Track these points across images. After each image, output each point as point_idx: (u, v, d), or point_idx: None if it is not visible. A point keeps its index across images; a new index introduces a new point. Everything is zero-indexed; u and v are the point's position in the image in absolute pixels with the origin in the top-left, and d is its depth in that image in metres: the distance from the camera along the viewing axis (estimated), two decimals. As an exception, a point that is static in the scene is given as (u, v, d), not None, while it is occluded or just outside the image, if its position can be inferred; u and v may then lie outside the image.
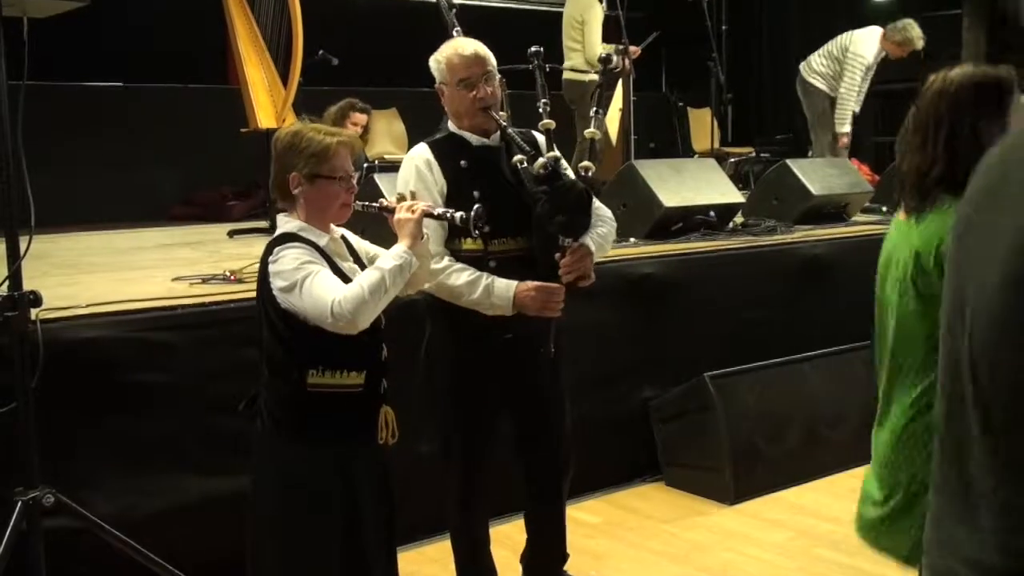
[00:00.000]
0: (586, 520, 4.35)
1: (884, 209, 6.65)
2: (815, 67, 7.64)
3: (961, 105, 2.06)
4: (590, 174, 3.06)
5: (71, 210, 6.87)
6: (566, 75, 7.40)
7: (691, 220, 5.64)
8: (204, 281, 4.08)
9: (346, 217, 2.67)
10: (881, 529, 2.26)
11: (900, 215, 2.24)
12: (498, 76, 3.07)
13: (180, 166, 7.78)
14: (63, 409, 3.28)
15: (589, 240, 3.01)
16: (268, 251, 2.56)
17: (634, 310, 4.81)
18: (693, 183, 5.78)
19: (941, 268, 1.99)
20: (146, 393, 3.46)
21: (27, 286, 3.05)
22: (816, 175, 6.36)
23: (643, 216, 5.42)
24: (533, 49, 3.20)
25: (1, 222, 3.02)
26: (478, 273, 2.96)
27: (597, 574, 3.85)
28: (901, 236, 2.20)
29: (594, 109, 3.39)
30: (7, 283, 3.02)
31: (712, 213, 5.72)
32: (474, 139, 3.06)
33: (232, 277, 4.07)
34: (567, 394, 3.33)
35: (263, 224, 6.14)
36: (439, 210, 2.75)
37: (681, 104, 10.88)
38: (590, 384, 4.55)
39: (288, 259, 2.50)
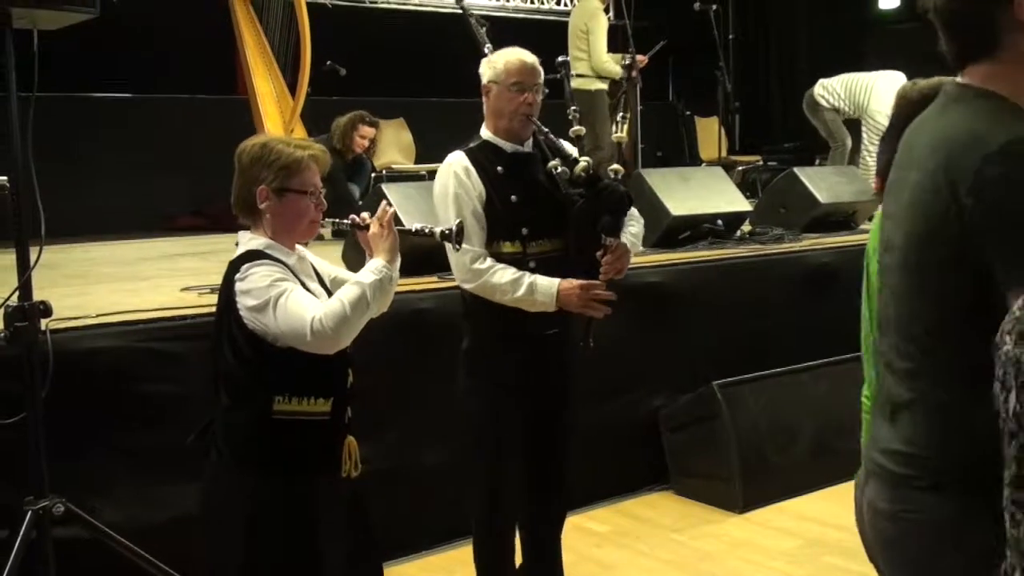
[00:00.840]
0: (594, 529, 4.35)
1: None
2: (831, 100, 7.67)
3: (914, 115, 2.17)
4: (620, 176, 3.17)
5: (80, 221, 6.88)
6: (572, 84, 7.41)
7: (699, 228, 5.64)
8: (213, 291, 4.07)
9: (314, 235, 2.59)
10: None
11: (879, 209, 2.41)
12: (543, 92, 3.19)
13: (188, 176, 7.80)
14: (73, 418, 3.29)
15: (626, 239, 3.12)
16: (233, 269, 2.42)
17: (642, 319, 4.81)
18: (701, 192, 5.78)
19: None
20: (155, 402, 3.47)
21: (37, 296, 3.07)
22: (823, 183, 6.35)
23: (651, 225, 5.40)
24: (561, 59, 3.36)
25: (12, 233, 3.04)
26: (520, 272, 3.05)
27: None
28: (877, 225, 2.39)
29: (621, 114, 3.48)
30: (17, 293, 3.04)
31: (720, 221, 5.73)
32: (508, 146, 3.15)
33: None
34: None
35: (271, 234, 6.14)
36: (417, 225, 2.76)
37: (688, 113, 10.88)
38: (598, 392, 4.55)
39: (258, 276, 2.36)
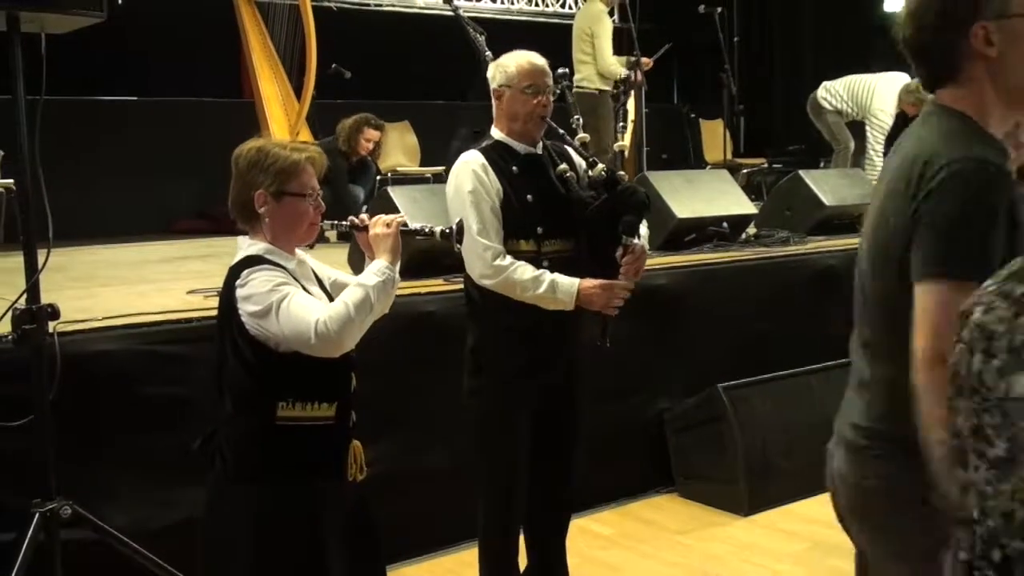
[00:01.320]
0: (599, 531, 4.35)
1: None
2: (834, 103, 7.67)
3: None
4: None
5: (84, 223, 6.90)
6: (576, 87, 7.41)
7: (704, 231, 5.65)
8: (218, 294, 4.08)
9: (313, 237, 2.56)
10: None
11: None
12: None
13: (193, 179, 7.80)
14: (80, 421, 3.30)
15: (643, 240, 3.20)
16: (234, 275, 2.40)
17: (647, 321, 4.81)
18: (706, 194, 5.79)
19: None
20: (162, 405, 3.47)
21: (44, 299, 3.07)
22: (828, 186, 6.36)
23: (656, 227, 5.41)
24: (561, 71, 3.37)
25: (19, 235, 3.05)
26: (540, 270, 3.08)
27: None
28: None
29: (621, 124, 3.53)
30: (25, 296, 3.04)
31: (725, 224, 5.73)
32: (521, 147, 3.18)
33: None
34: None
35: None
36: (416, 224, 2.75)
37: (693, 115, 10.88)
38: (603, 395, 4.55)
39: (259, 282, 2.34)
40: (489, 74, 3.24)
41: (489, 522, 3.28)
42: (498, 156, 3.14)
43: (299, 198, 2.45)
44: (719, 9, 8.29)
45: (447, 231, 2.67)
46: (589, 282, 3.08)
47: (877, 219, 1.85)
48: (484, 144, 3.19)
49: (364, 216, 2.61)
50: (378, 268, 2.45)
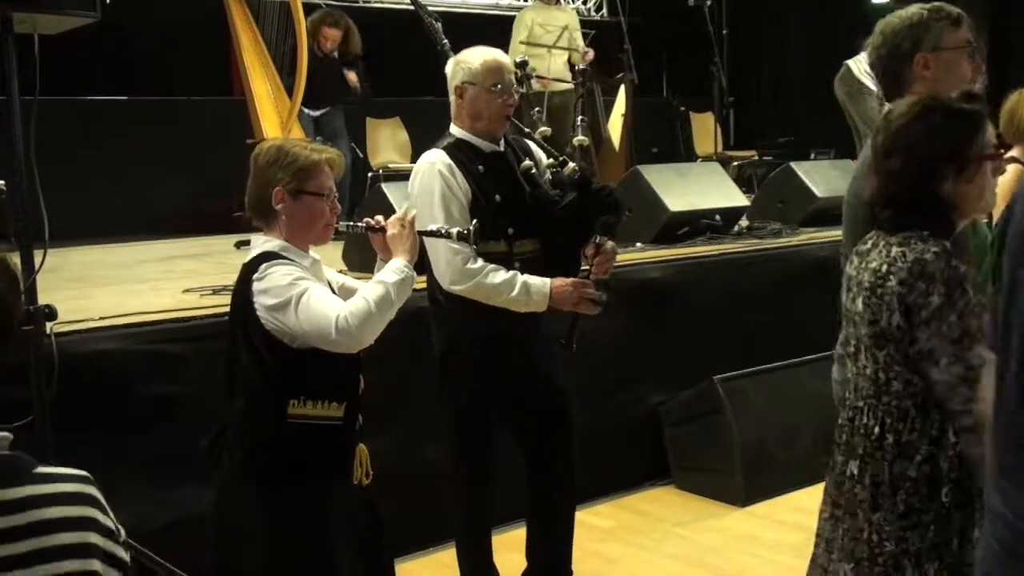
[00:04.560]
0: (597, 524, 4.36)
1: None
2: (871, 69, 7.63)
3: None
4: (578, 175, 3.17)
5: (79, 224, 6.87)
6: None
7: (697, 224, 5.66)
8: (215, 292, 4.10)
9: (328, 238, 2.58)
10: None
11: None
12: None
13: (186, 178, 7.78)
14: (78, 421, 3.29)
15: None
16: (251, 269, 2.42)
17: (641, 314, 4.82)
18: (698, 187, 5.80)
19: None
20: (159, 404, 3.48)
21: (40, 300, 3.07)
22: (820, 177, 6.37)
23: (649, 221, 5.44)
24: (519, 60, 3.38)
25: (16, 237, 3.05)
26: (512, 272, 3.04)
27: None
28: None
29: (580, 117, 3.50)
30: (22, 297, 3.04)
31: (718, 217, 5.75)
32: (485, 145, 3.13)
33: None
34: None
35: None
36: (432, 226, 2.76)
37: (683, 108, 10.87)
38: (599, 389, 4.57)
39: (278, 276, 2.36)
40: (448, 70, 3.17)
41: (463, 525, 3.30)
42: (463, 155, 3.08)
43: (317, 197, 2.47)
44: (708, 2, 8.29)
45: (464, 232, 2.67)
46: (560, 281, 3.05)
47: (846, 200, 2.65)
48: (446, 143, 3.11)
49: (379, 218, 2.62)
50: (396, 266, 2.47)
